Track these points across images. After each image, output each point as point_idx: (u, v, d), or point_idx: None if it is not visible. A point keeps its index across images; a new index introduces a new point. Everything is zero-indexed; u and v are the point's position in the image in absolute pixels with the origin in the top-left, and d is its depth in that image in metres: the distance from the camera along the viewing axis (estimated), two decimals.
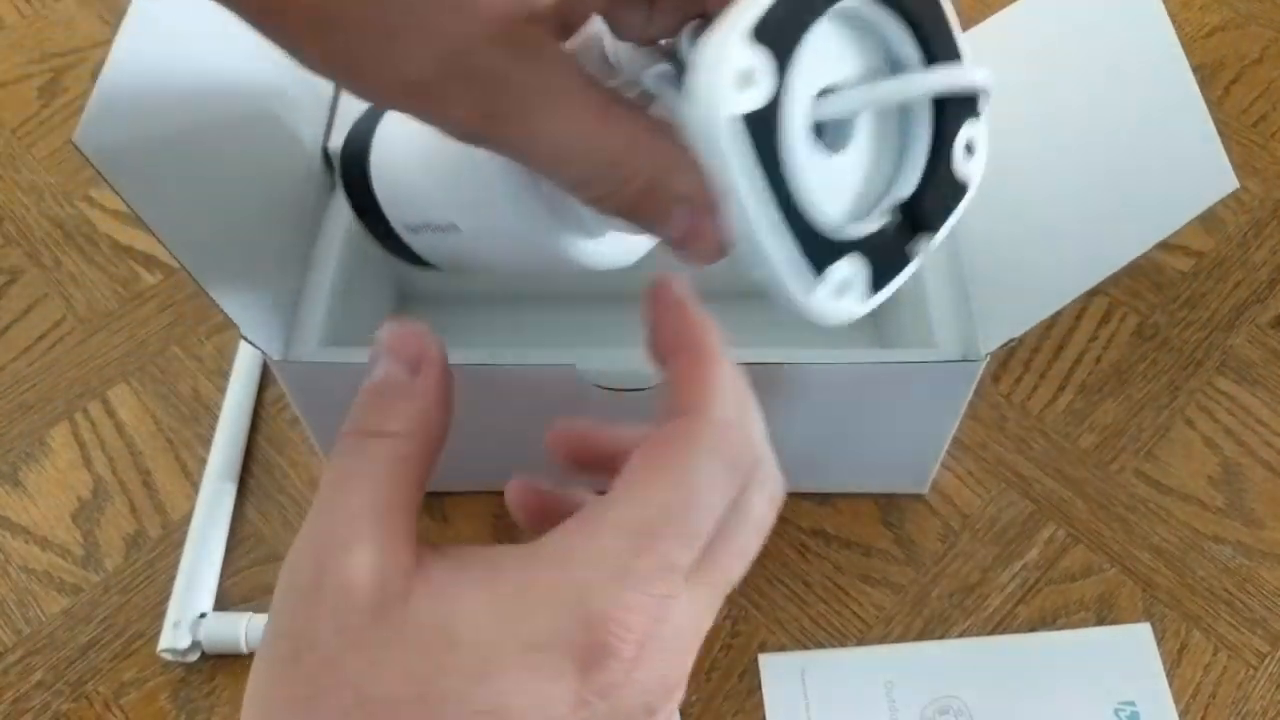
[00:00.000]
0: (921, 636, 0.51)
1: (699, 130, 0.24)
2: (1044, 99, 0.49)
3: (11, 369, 0.60)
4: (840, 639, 0.51)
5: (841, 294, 0.26)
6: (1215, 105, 0.69)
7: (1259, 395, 0.58)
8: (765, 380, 0.46)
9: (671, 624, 0.25)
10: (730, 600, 0.52)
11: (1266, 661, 0.50)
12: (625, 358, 0.46)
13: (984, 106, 0.27)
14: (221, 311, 0.41)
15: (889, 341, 0.57)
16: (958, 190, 0.28)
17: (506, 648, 0.24)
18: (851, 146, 0.28)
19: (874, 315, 0.59)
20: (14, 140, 0.70)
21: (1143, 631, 0.51)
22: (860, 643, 0.51)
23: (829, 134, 0.27)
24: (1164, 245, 0.41)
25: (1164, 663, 0.50)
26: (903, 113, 0.28)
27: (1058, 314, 0.43)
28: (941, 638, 0.51)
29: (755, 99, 0.24)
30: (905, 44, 0.27)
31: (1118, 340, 0.60)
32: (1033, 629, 0.51)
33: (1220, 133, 0.40)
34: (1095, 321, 0.61)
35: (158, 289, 0.63)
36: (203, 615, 0.51)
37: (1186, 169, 0.42)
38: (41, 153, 0.69)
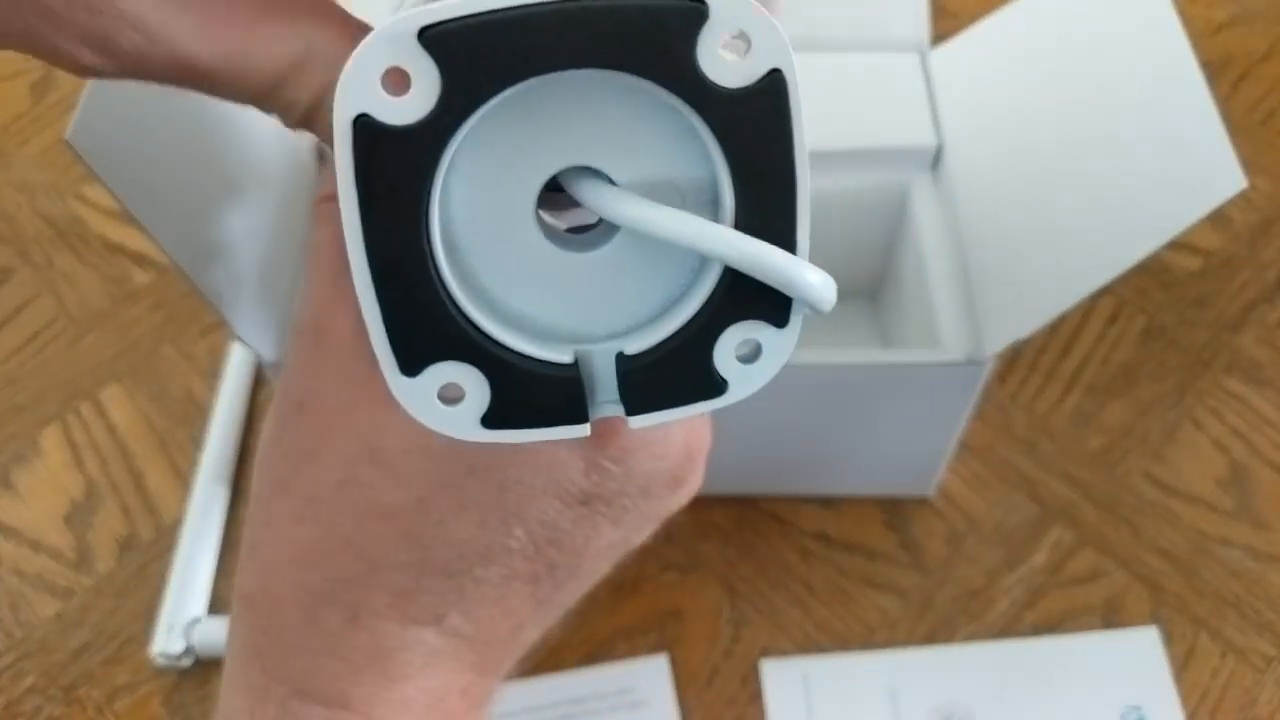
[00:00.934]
0: (926, 641, 0.51)
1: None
2: (1049, 97, 0.49)
3: (2, 370, 0.60)
4: (843, 644, 0.51)
5: (450, 403, 0.21)
6: (1223, 102, 0.68)
7: (1268, 396, 0.57)
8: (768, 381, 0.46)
9: None
10: (731, 604, 0.52)
11: (1274, 665, 0.50)
12: None
13: (797, 318, 0.21)
14: (215, 312, 0.40)
15: (893, 342, 0.56)
16: (706, 385, 0.21)
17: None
18: (600, 257, 0.21)
19: (876, 315, 0.59)
20: (5, 137, 0.69)
21: (1150, 635, 0.50)
22: (864, 648, 0.50)
23: (587, 232, 0.22)
24: (1172, 244, 0.40)
25: (1171, 667, 0.49)
26: (683, 261, 0.21)
27: (1064, 314, 0.42)
28: (946, 642, 0.50)
29: (406, 113, 0.19)
30: (727, 188, 0.21)
31: (1125, 340, 0.60)
32: (1039, 633, 0.51)
33: (1228, 130, 0.40)
34: (1102, 321, 0.60)
35: (150, 288, 0.63)
36: (196, 619, 0.50)
37: (1194, 167, 0.42)
38: (33, 150, 0.69)
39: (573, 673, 0.49)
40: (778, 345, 0.21)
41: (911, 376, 0.46)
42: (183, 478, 0.56)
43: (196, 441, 0.56)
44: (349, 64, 0.19)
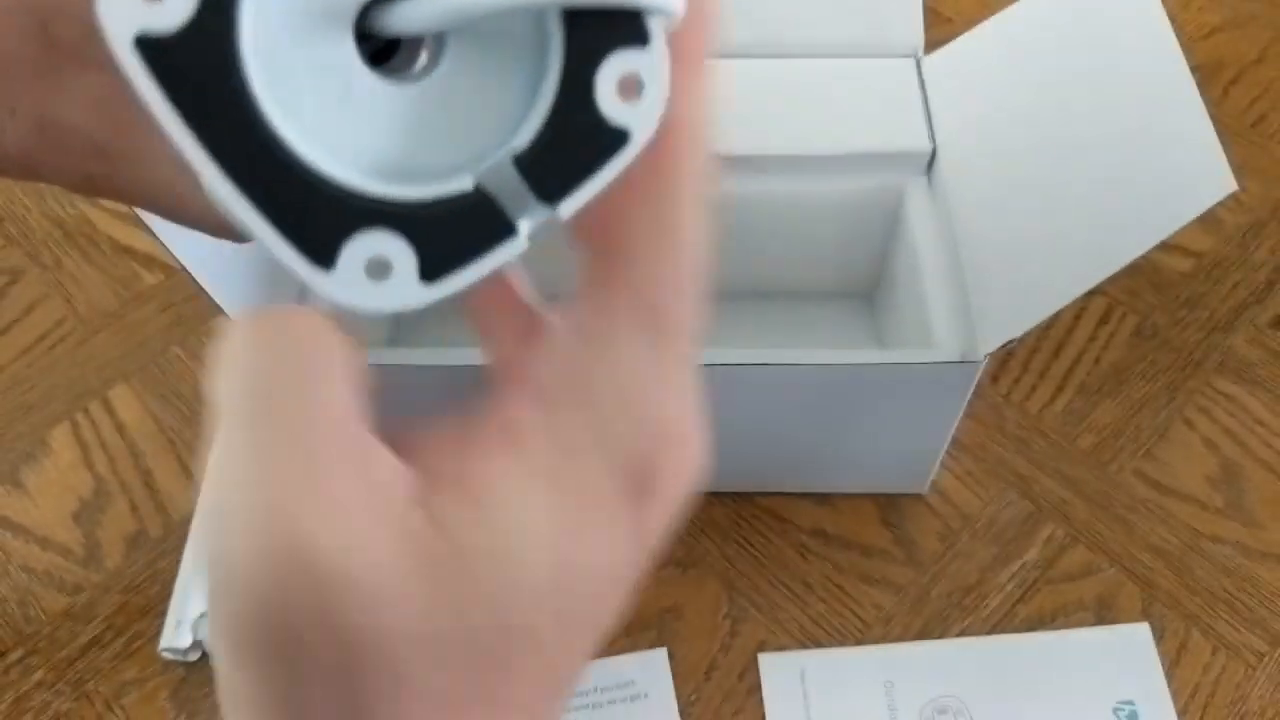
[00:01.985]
0: (921, 636, 0.51)
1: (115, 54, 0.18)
2: (1043, 99, 0.49)
3: (12, 369, 0.60)
4: (840, 639, 0.51)
5: (379, 276, 0.19)
6: (1215, 106, 0.69)
7: (1258, 395, 0.58)
8: (765, 381, 0.46)
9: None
10: (730, 600, 0.52)
11: (1265, 661, 0.50)
12: None
13: (657, 28, 0.19)
14: (222, 312, 0.41)
15: (888, 343, 0.57)
16: (608, 139, 0.20)
17: (566, 527, 0.19)
18: (438, 76, 0.20)
19: (872, 316, 0.60)
20: None
21: (1142, 631, 0.51)
22: (860, 642, 0.51)
23: (404, 55, 0.20)
24: (1163, 245, 0.41)
25: (1163, 662, 0.50)
26: (525, 35, 0.20)
27: (1056, 314, 0.43)
28: (941, 637, 0.51)
29: (165, 17, 0.17)
30: None
31: (1117, 340, 0.60)
32: (1032, 629, 0.51)
33: (1220, 133, 0.40)
34: (1094, 321, 0.61)
35: (158, 289, 0.63)
36: (203, 615, 0.51)
37: (1186, 170, 0.42)
38: None
39: None
40: (652, 69, 0.19)
41: (906, 376, 0.46)
42: (191, 476, 0.56)
43: (204, 440, 0.57)
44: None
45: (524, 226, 0.20)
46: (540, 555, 0.18)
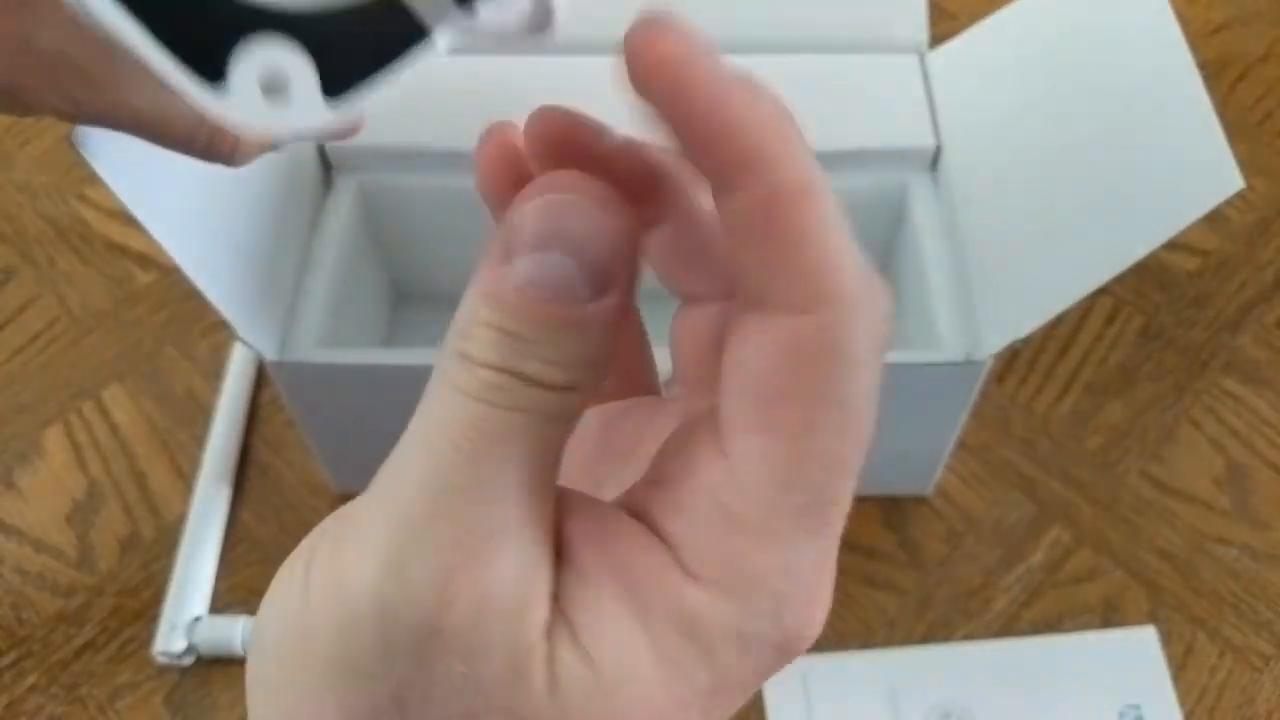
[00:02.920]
0: (925, 640, 0.51)
1: None
2: (1048, 97, 0.49)
3: (5, 370, 0.60)
4: (843, 643, 0.51)
5: (276, 93, 0.17)
6: (1221, 103, 0.68)
7: (1265, 396, 0.58)
8: None
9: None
10: None
11: (1272, 664, 0.50)
12: None
13: None
14: (216, 312, 0.40)
15: (892, 343, 0.56)
16: (402, 26, 0.18)
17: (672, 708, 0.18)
18: None
19: None
20: (7, 139, 0.69)
21: (1148, 634, 0.50)
22: (863, 647, 0.51)
23: None
24: (1170, 245, 0.41)
25: (1169, 666, 0.50)
26: None
27: (1062, 314, 0.42)
28: (945, 641, 0.51)
29: None
30: None
31: (1123, 340, 0.60)
32: (1037, 632, 0.51)
33: (1226, 130, 0.40)
34: (1100, 321, 0.60)
35: (152, 288, 0.63)
36: (198, 618, 0.50)
37: (1192, 168, 0.42)
38: (35, 151, 0.69)
39: None
40: None
41: (910, 376, 0.46)
42: (185, 477, 0.56)
43: (198, 441, 0.57)
44: None
45: (439, 31, 0.18)
46: None
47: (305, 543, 0.19)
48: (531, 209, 0.18)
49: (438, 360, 0.18)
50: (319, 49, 0.17)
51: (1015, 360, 0.59)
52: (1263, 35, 0.73)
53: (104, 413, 0.58)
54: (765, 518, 0.18)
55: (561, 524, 0.19)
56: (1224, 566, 0.52)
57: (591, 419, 0.23)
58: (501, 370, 0.17)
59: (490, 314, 0.18)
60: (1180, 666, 0.50)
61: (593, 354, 0.18)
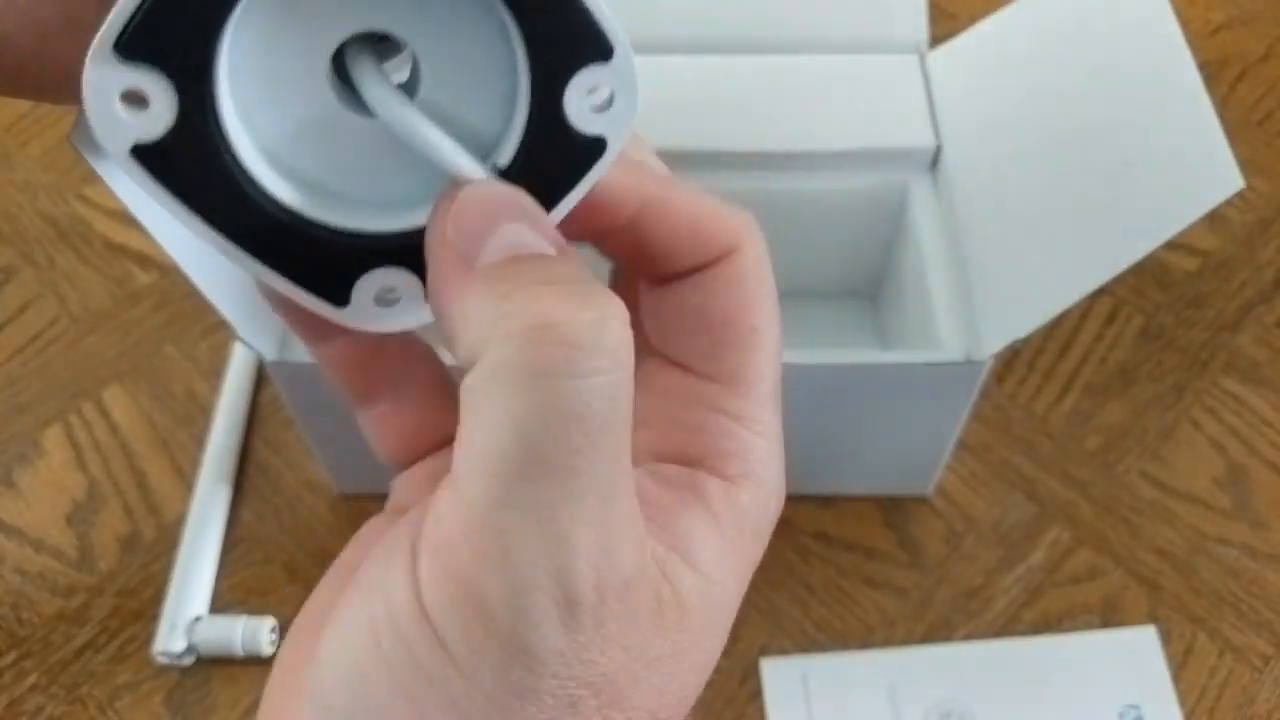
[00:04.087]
0: (925, 640, 0.51)
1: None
2: (1047, 97, 0.49)
3: (5, 370, 0.60)
4: (843, 643, 0.51)
5: (388, 304, 0.21)
6: (1221, 103, 0.68)
7: (1265, 396, 0.58)
8: None
9: None
10: None
11: (1272, 664, 0.50)
12: None
13: (622, 51, 0.20)
14: (216, 312, 0.40)
15: (892, 343, 0.56)
16: (584, 149, 0.21)
17: (740, 586, 0.23)
18: (417, 106, 0.21)
19: (876, 315, 0.59)
20: (7, 138, 0.69)
21: (1148, 634, 0.50)
22: (863, 646, 0.51)
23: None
24: (1169, 244, 0.41)
25: (1169, 666, 0.49)
26: (493, 59, 0.21)
27: (1062, 314, 0.42)
28: (945, 641, 0.51)
29: (152, 126, 0.19)
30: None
31: (1123, 340, 0.60)
32: (1037, 632, 0.51)
33: (1226, 131, 0.40)
34: (1100, 321, 0.60)
35: (152, 288, 0.63)
36: (198, 618, 0.50)
37: (1192, 168, 0.42)
38: (35, 151, 0.69)
39: None
40: (620, 79, 0.20)
41: (910, 376, 0.46)
42: (184, 477, 0.56)
43: (198, 441, 0.57)
44: (90, 118, 0.19)
45: None
46: (730, 613, 0.23)
47: (399, 533, 0.20)
48: (455, 212, 0.20)
49: (475, 374, 0.18)
50: (420, 262, 0.20)
51: (1015, 360, 0.59)
52: (1263, 35, 0.72)
53: (104, 413, 0.58)
54: (771, 422, 0.23)
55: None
56: (1224, 566, 0.52)
57: None
58: (562, 322, 0.18)
59: (502, 285, 0.19)
60: (1180, 666, 0.50)
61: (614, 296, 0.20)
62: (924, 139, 0.51)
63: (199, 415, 0.58)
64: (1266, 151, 0.67)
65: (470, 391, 0.18)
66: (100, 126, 0.19)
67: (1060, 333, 0.60)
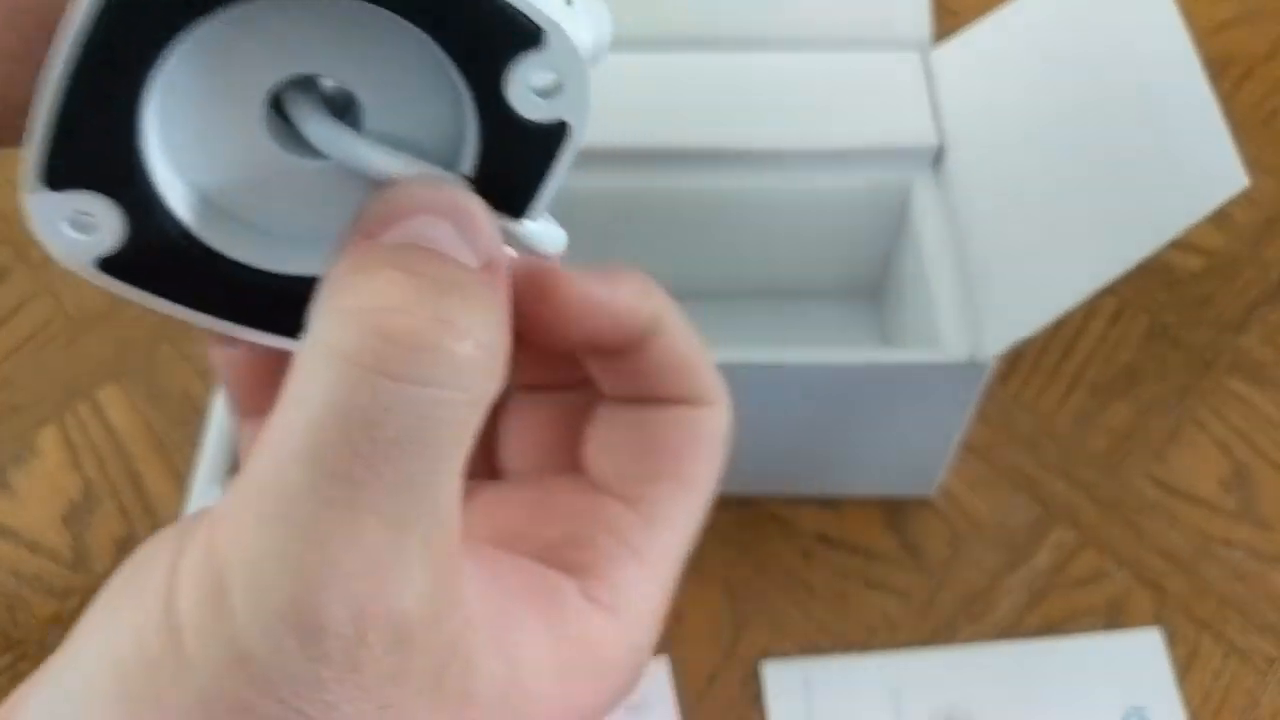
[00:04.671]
0: (928, 643, 0.50)
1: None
2: (1050, 95, 0.49)
3: (0, 370, 0.60)
4: (845, 646, 0.50)
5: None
6: (1226, 101, 0.68)
7: (1271, 396, 0.57)
8: (769, 381, 0.46)
9: None
10: (732, 606, 0.52)
11: (1277, 667, 0.50)
12: None
13: (552, 32, 0.19)
14: None
15: (895, 343, 0.56)
16: (547, 140, 0.20)
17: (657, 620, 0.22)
18: (368, 138, 0.21)
19: (878, 315, 0.59)
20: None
21: (1153, 637, 0.50)
22: (865, 649, 0.50)
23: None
24: (1174, 244, 0.41)
25: (1174, 668, 0.49)
26: (428, 74, 0.20)
27: (1066, 314, 0.42)
28: (948, 644, 0.50)
29: (107, 240, 0.19)
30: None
31: (1128, 341, 0.59)
32: (1041, 635, 0.50)
33: (1231, 129, 0.40)
34: (1105, 321, 0.60)
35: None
36: None
37: (1197, 166, 0.42)
38: None
39: None
40: (558, 58, 0.19)
41: (913, 377, 0.46)
42: (180, 478, 0.55)
43: (194, 442, 0.56)
44: (46, 247, 0.20)
45: (514, 234, 0.21)
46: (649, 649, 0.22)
47: (156, 548, 0.18)
48: (384, 196, 0.19)
49: (310, 343, 0.17)
50: None
51: (1019, 361, 0.59)
52: (1269, 33, 0.72)
53: (99, 413, 0.58)
54: (664, 575, 0.22)
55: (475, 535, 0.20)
56: (1229, 568, 0.52)
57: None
58: (425, 315, 0.16)
59: (390, 268, 0.17)
60: (1185, 669, 0.49)
61: (507, 338, 0.18)
62: (927, 137, 0.51)
63: (195, 416, 0.58)
64: (1272, 150, 0.67)
65: (296, 359, 0.17)
66: (58, 253, 0.19)
67: (1064, 333, 0.60)
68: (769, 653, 0.50)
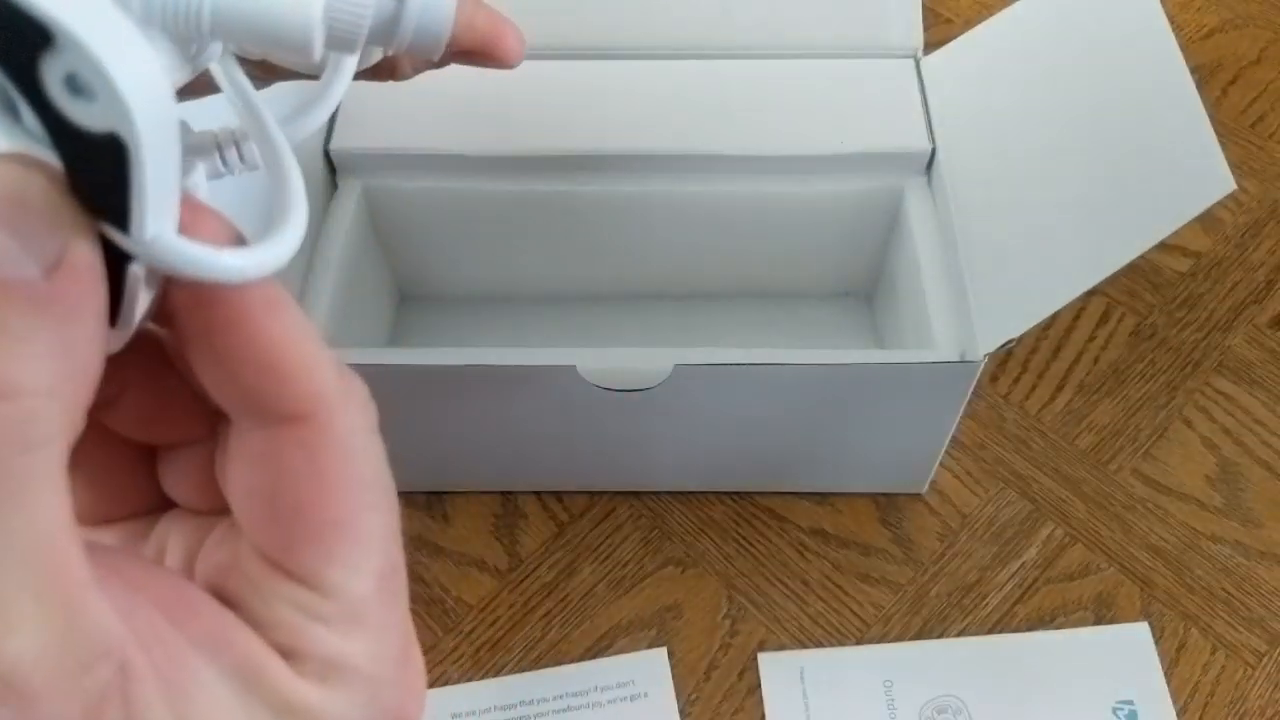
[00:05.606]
0: (920, 636, 0.51)
1: None
2: (1042, 100, 0.49)
3: None
4: (839, 638, 0.51)
5: None
6: (1213, 106, 0.69)
7: (1257, 395, 0.58)
8: (764, 380, 0.46)
9: None
10: (729, 599, 0.52)
11: (1264, 661, 0.50)
12: (625, 357, 0.46)
13: (64, 29, 0.16)
14: None
15: (888, 343, 0.57)
16: (110, 146, 0.17)
17: None
18: None
19: (872, 316, 0.60)
20: None
21: (1141, 630, 0.51)
22: (859, 642, 0.51)
23: None
24: (1162, 245, 0.41)
25: (1162, 662, 0.50)
26: None
27: (1055, 314, 0.43)
28: (940, 637, 0.51)
29: None
30: None
31: (1116, 340, 0.60)
32: (1031, 628, 0.51)
33: (1218, 134, 0.41)
34: (1093, 321, 0.61)
35: None
36: None
37: (1184, 170, 0.42)
38: None
39: (574, 666, 0.50)
40: (78, 55, 0.16)
41: (905, 376, 0.46)
42: None
43: None
44: None
45: (133, 262, 0.18)
46: None
47: None
48: None
49: None
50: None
51: (1009, 360, 0.60)
52: (1255, 39, 0.73)
53: None
54: (378, 615, 0.19)
55: (128, 585, 0.17)
56: (1216, 564, 0.53)
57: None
58: None
59: None
60: (1173, 663, 0.50)
61: (81, 347, 0.15)
62: (919, 142, 0.52)
63: None
64: (1258, 154, 0.67)
65: None
66: None
67: (1053, 332, 0.60)
68: (766, 644, 0.51)
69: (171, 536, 0.21)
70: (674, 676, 0.50)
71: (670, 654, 0.50)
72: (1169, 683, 0.49)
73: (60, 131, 0.17)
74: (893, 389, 0.47)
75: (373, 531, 0.18)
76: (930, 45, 0.54)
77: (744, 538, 0.54)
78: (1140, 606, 0.52)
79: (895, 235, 0.54)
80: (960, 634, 0.51)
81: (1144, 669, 0.50)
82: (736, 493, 0.55)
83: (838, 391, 0.47)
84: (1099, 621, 0.51)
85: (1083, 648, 0.50)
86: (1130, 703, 0.49)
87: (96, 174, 0.17)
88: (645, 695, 0.49)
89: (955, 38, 0.54)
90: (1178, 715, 0.49)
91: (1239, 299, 0.62)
